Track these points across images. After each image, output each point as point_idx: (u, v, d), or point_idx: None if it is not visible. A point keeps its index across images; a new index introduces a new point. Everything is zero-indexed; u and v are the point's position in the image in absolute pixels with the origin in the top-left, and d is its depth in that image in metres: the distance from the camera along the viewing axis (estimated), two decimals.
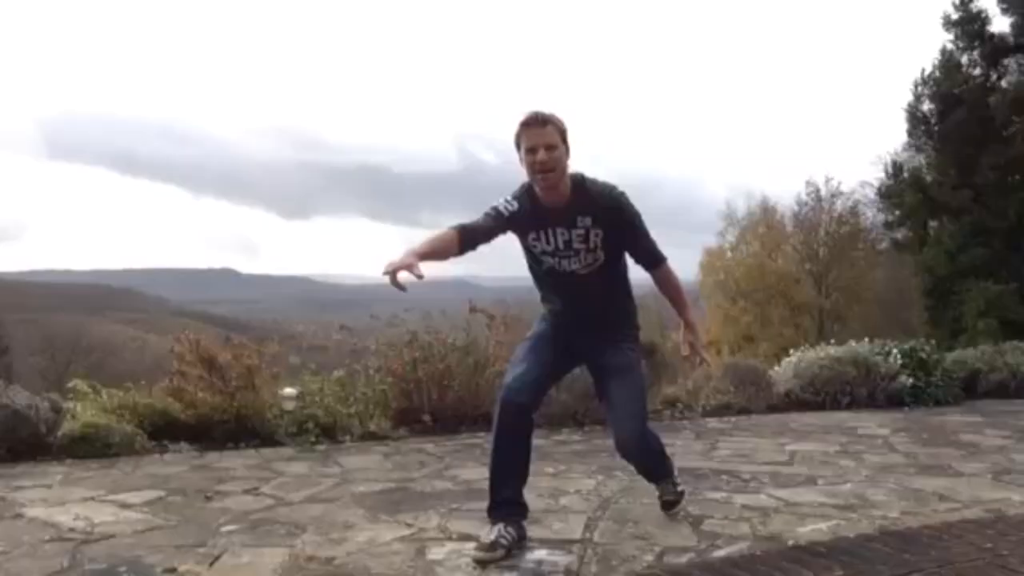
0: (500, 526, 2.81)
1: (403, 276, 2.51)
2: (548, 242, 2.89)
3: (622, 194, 2.89)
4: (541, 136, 2.77)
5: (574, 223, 2.85)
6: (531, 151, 2.77)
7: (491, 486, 2.94)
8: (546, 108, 2.84)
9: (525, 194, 2.89)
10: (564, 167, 2.83)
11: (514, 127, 2.83)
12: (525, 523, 2.93)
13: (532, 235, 2.90)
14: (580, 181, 2.88)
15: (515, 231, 2.92)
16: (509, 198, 2.88)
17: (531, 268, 3.04)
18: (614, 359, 2.99)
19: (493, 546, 2.73)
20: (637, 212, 2.92)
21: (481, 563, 2.67)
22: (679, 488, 3.29)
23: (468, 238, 2.78)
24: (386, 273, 2.50)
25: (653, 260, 3.01)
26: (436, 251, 2.73)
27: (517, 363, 2.97)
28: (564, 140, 2.83)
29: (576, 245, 2.87)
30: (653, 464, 3.20)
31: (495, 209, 2.85)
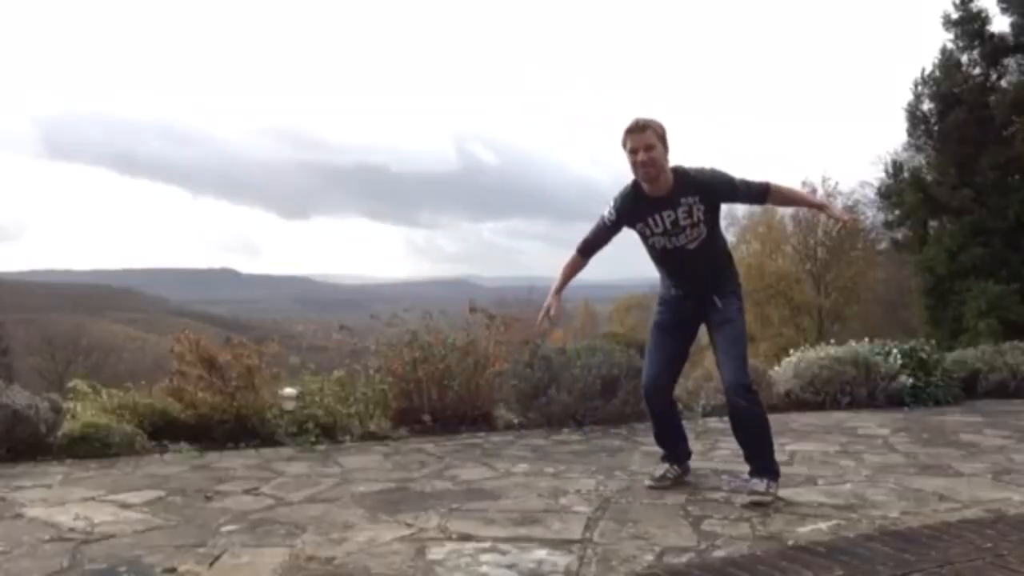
0: (667, 465, 3.79)
1: (554, 311, 3.66)
2: (657, 225, 3.45)
3: (713, 168, 3.49)
4: (641, 139, 3.34)
5: (678, 203, 3.40)
6: (633, 152, 3.36)
7: (660, 445, 3.89)
8: (645, 115, 3.44)
9: (631, 192, 3.49)
10: (663, 164, 3.38)
11: (619, 134, 3.43)
12: (683, 465, 3.88)
13: (640, 224, 3.49)
14: (681, 171, 3.44)
15: (628, 226, 3.54)
16: (610, 206, 3.53)
17: (650, 255, 3.63)
18: (721, 314, 3.56)
19: (662, 479, 3.74)
20: (725, 174, 3.48)
21: (652, 488, 3.67)
22: (770, 489, 3.46)
23: (589, 252, 3.66)
24: (541, 320, 3.72)
25: (760, 191, 3.55)
26: (569, 277, 3.68)
27: (647, 364, 3.71)
28: (663, 141, 3.39)
29: (682, 222, 3.43)
30: (756, 429, 3.55)
31: (601, 219, 3.56)
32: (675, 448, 3.87)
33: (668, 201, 3.41)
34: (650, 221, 3.46)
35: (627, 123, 3.40)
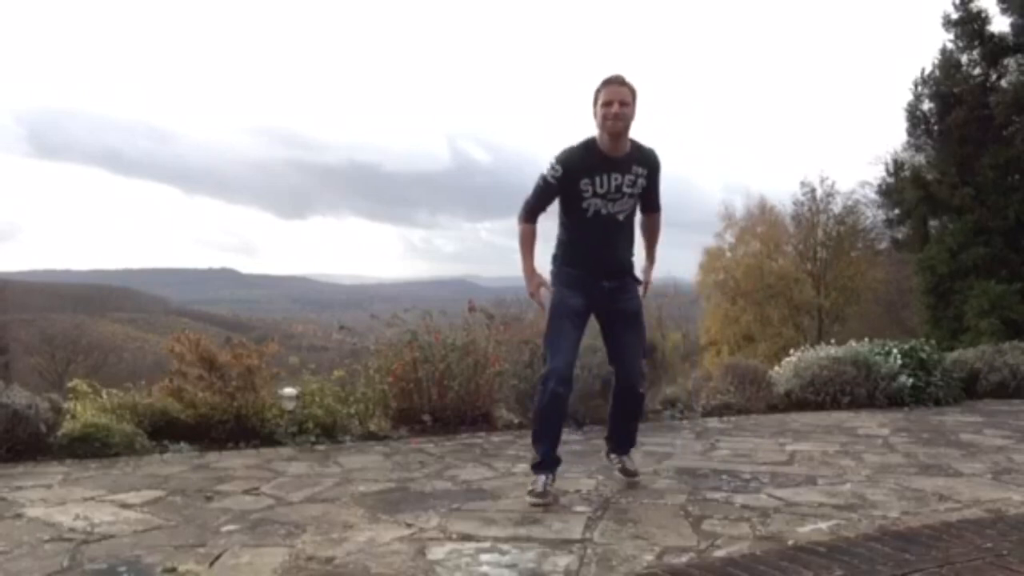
0: (543, 477, 3.41)
1: (543, 292, 3.49)
2: (602, 185, 3.39)
3: (659, 156, 3.55)
4: (618, 93, 3.33)
5: (629, 170, 3.41)
6: (607, 104, 3.31)
7: (544, 447, 3.47)
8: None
9: (580, 147, 3.42)
10: (630, 123, 3.37)
11: (596, 84, 3.39)
12: (554, 475, 3.52)
13: (586, 180, 3.38)
14: (636, 142, 3.46)
15: (565, 186, 3.41)
16: (552, 163, 3.42)
17: (571, 222, 3.50)
18: (628, 304, 3.57)
19: (545, 494, 3.36)
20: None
21: (536, 506, 3.31)
22: (637, 465, 3.86)
23: (536, 216, 3.52)
24: (537, 295, 3.51)
25: (655, 207, 3.68)
26: (532, 248, 3.52)
27: (555, 350, 3.44)
28: (634, 102, 3.37)
29: (625, 189, 3.42)
30: (637, 417, 3.84)
31: (543, 179, 3.44)
32: (554, 451, 3.50)
33: (621, 164, 3.40)
34: (596, 179, 3.38)
35: (606, 76, 3.38)
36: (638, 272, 3.70)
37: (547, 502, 3.32)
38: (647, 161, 3.48)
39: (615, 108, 3.30)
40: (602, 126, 3.37)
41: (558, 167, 3.41)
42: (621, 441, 3.84)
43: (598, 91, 3.38)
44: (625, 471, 3.81)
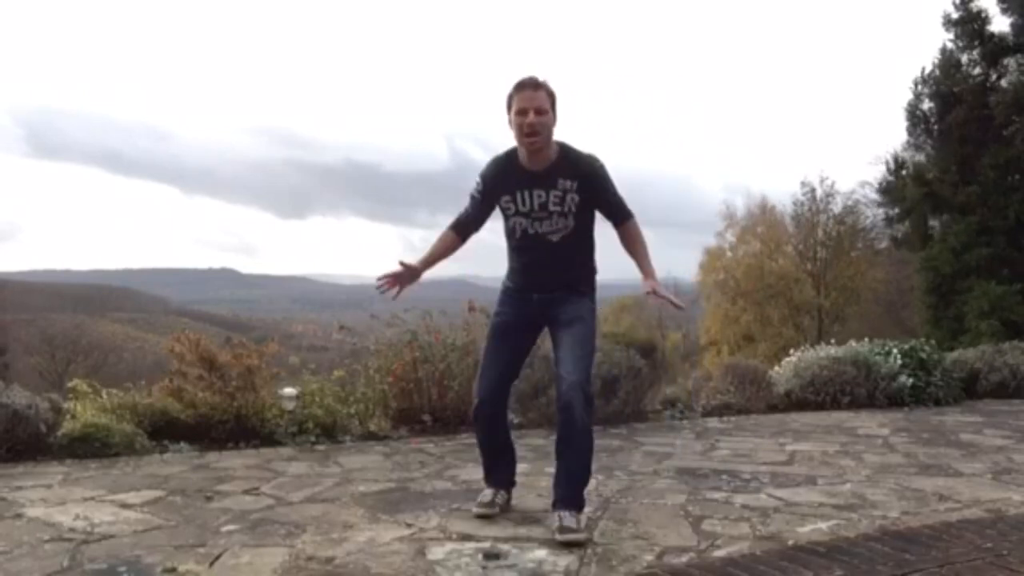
0: (492, 490, 3.26)
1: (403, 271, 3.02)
2: (523, 203, 3.02)
3: (600, 161, 3.07)
4: (533, 100, 2.91)
5: (554, 185, 2.98)
6: (521, 113, 2.91)
7: (487, 463, 3.34)
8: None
9: (502, 159, 3.08)
10: (551, 133, 2.97)
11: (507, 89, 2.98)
12: (508, 492, 3.34)
13: (506, 197, 3.04)
14: (564, 148, 3.03)
15: (491, 202, 3.10)
16: (478, 178, 3.12)
17: (507, 239, 3.17)
18: (572, 310, 3.09)
19: (491, 504, 3.21)
20: (609, 176, 3.09)
21: (479, 517, 3.15)
22: (582, 524, 2.93)
23: (461, 229, 3.17)
24: (379, 286, 3.02)
25: (622, 216, 3.11)
26: (438, 252, 3.15)
27: (484, 368, 3.21)
28: (553, 108, 2.97)
29: (551, 207, 3.00)
30: (584, 447, 2.99)
31: (471, 196, 3.13)
32: (504, 468, 3.33)
33: (543, 179, 2.98)
34: (517, 196, 3.01)
35: (518, 79, 2.96)
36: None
37: (491, 512, 3.18)
38: (578, 171, 3.00)
39: (530, 117, 2.89)
40: (518, 140, 2.98)
41: (480, 183, 3.10)
42: (557, 484, 3.04)
43: (511, 97, 2.96)
44: (562, 529, 2.85)
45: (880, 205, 20.58)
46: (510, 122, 2.97)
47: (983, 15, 16.09)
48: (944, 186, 15.77)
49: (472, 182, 3.15)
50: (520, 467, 4.22)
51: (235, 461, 4.42)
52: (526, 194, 3.00)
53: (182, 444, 4.79)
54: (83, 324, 45.80)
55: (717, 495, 3.62)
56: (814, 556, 2.69)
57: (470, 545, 2.82)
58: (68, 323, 43.47)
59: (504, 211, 3.09)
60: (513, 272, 3.23)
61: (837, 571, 2.54)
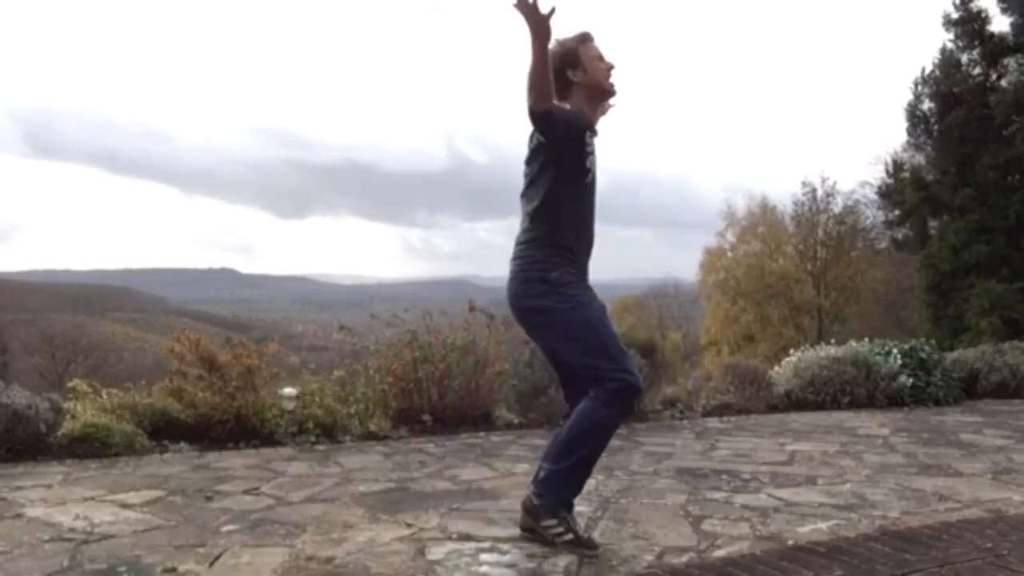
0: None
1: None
2: (591, 145, 2.86)
3: None
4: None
5: (596, 132, 2.89)
6: (603, 59, 2.86)
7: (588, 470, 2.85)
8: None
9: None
10: None
11: (574, 44, 2.82)
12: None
13: (589, 132, 2.82)
14: None
15: (577, 134, 2.78)
16: (575, 117, 2.79)
17: (569, 193, 2.81)
18: None
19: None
20: None
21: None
22: (559, 529, 2.75)
23: (551, 102, 2.67)
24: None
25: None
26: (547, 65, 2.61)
27: (622, 349, 2.80)
28: None
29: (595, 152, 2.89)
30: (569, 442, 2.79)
31: (562, 121, 2.73)
32: None
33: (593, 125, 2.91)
34: (591, 140, 2.86)
35: (580, 32, 2.86)
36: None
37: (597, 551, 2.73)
38: None
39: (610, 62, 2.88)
40: (604, 84, 2.87)
41: (572, 116, 2.79)
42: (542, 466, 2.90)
43: (587, 47, 2.85)
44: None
45: (879, 208, 20.62)
46: (578, 71, 2.82)
47: (983, 15, 16.10)
48: (943, 188, 15.78)
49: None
50: (520, 467, 4.24)
51: (235, 461, 4.42)
52: (591, 137, 2.87)
53: (182, 444, 4.78)
54: (83, 324, 45.82)
55: (717, 495, 3.62)
56: (814, 556, 2.69)
57: (470, 545, 2.82)
58: (68, 323, 43.48)
59: (583, 155, 2.80)
60: (575, 243, 2.83)
61: (837, 571, 2.53)
